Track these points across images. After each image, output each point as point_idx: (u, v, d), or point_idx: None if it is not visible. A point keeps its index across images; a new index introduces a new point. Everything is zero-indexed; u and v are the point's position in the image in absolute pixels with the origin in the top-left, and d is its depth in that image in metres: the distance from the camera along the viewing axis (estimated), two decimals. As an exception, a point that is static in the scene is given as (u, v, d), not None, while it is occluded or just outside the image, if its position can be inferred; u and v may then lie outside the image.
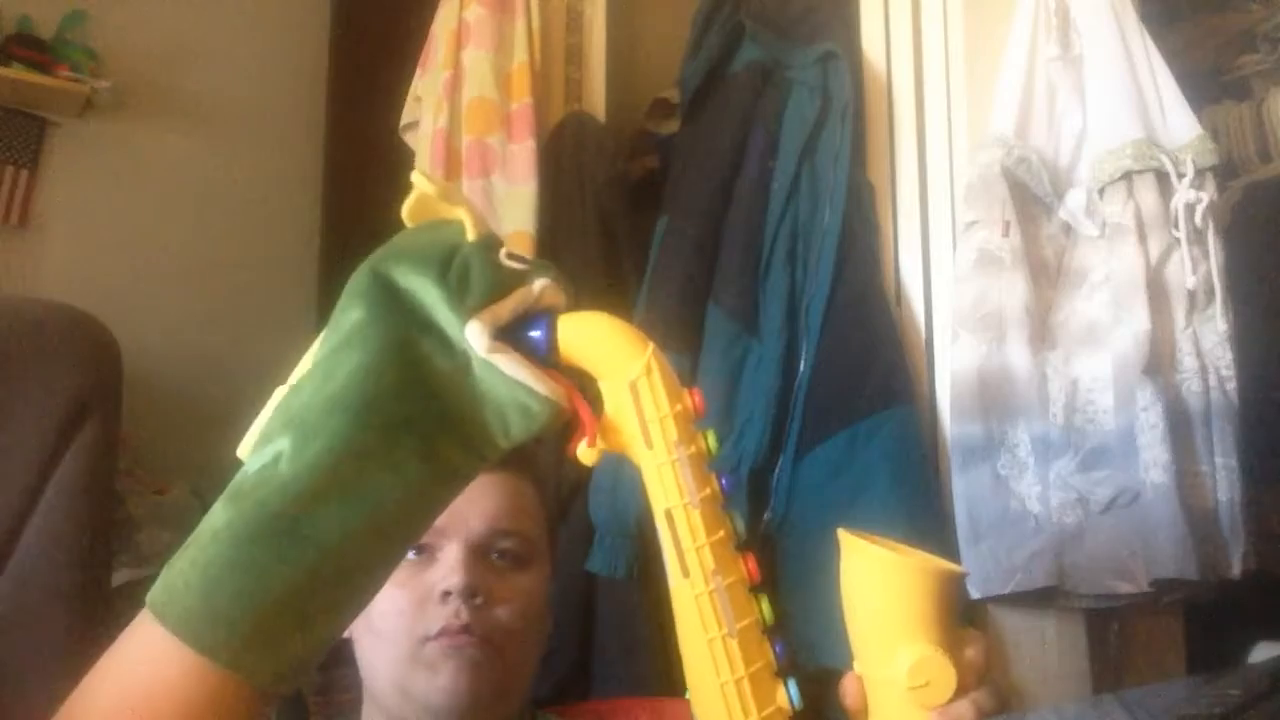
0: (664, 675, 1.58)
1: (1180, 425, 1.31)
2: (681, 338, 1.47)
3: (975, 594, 1.33)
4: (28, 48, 2.51)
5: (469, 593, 0.86)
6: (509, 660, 0.88)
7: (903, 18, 1.58)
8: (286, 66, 2.95)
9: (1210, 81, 1.99)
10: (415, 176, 0.53)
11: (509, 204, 1.79)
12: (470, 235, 0.51)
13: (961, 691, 0.51)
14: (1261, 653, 1.46)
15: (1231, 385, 1.36)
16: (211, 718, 0.47)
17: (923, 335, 1.48)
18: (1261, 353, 1.48)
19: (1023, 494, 1.35)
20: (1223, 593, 1.35)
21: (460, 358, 0.51)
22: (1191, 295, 1.37)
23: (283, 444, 0.48)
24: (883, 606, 0.52)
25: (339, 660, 0.94)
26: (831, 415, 1.42)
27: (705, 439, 0.52)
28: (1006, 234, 1.39)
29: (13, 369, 0.82)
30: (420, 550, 0.89)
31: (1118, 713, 1.07)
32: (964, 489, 1.36)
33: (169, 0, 2.79)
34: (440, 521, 0.88)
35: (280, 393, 0.51)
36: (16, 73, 2.47)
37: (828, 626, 1.45)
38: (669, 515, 0.51)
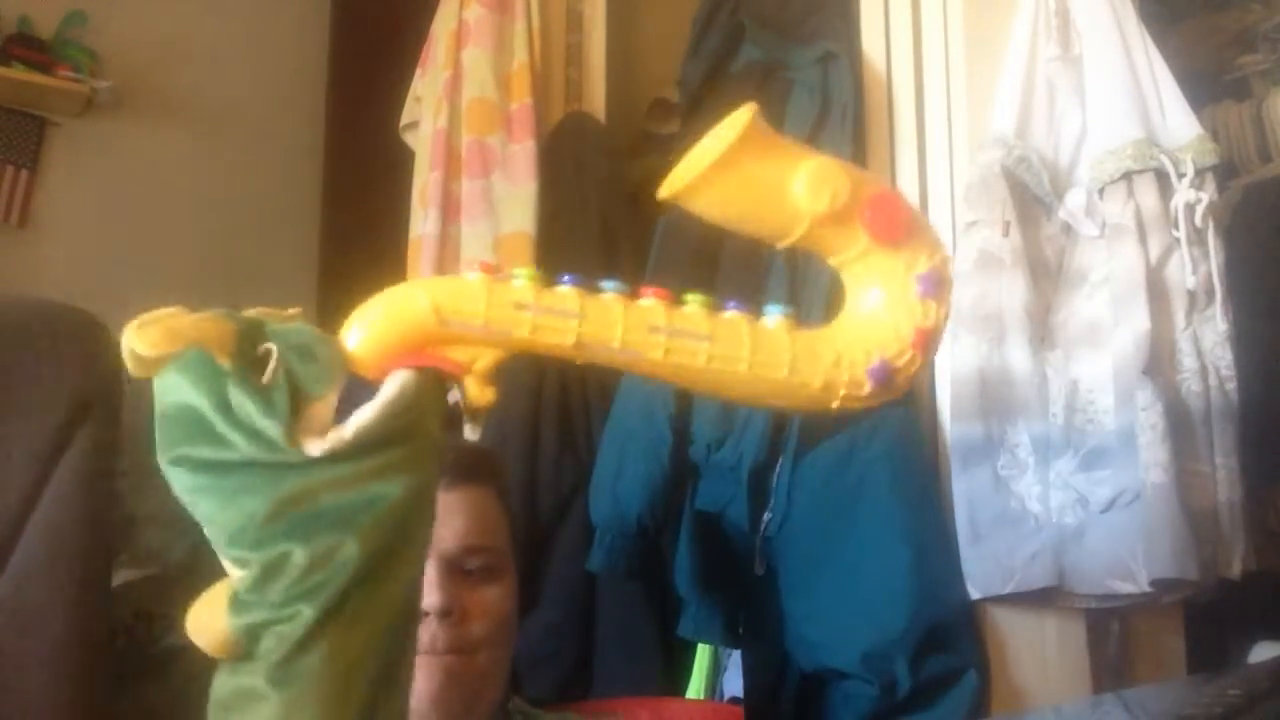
0: (664, 675, 1.59)
1: (1180, 425, 1.31)
2: (681, 338, 1.47)
3: (975, 594, 1.33)
4: (28, 48, 2.51)
5: (445, 612, 0.88)
6: (480, 668, 0.90)
7: (903, 18, 1.58)
8: (286, 66, 2.94)
9: (1210, 81, 1.99)
10: (126, 344, 0.48)
11: (509, 204, 1.79)
12: (223, 361, 0.48)
13: (856, 173, 0.53)
14: (1261, 653, 1.46)
15: (1231, 385, 1.36)
16: None
17: (923, 335, 1.48)
18: (1261, 353, 1.48)
19: (1023, 494, 1.35)
20: (1223, 593, 1.35)
21: (327, 472, 0.48)
22: (1191, 295, 1.37)
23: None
24: (745, 200, 0.53)
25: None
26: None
27: (518, 278, 0.52)
28: (1006, 234, 1.39)
29: (13, 369, 0.82)
30: None
31: (1118, 713, 1.07)
32: (964, 489, 1.36)
33: (169, 0, 2.78)
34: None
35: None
36: (16, 73, 2.47)
37: (828, 626, 1.45)
38: (580, 346, 0.51)
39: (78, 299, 0.92)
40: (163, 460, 0.49)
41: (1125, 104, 1.42)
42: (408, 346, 0.51)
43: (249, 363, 0.49)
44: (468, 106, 1.84)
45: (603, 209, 1.80)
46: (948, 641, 1.32)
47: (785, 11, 1.70)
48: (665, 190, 0.53)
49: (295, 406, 0.49)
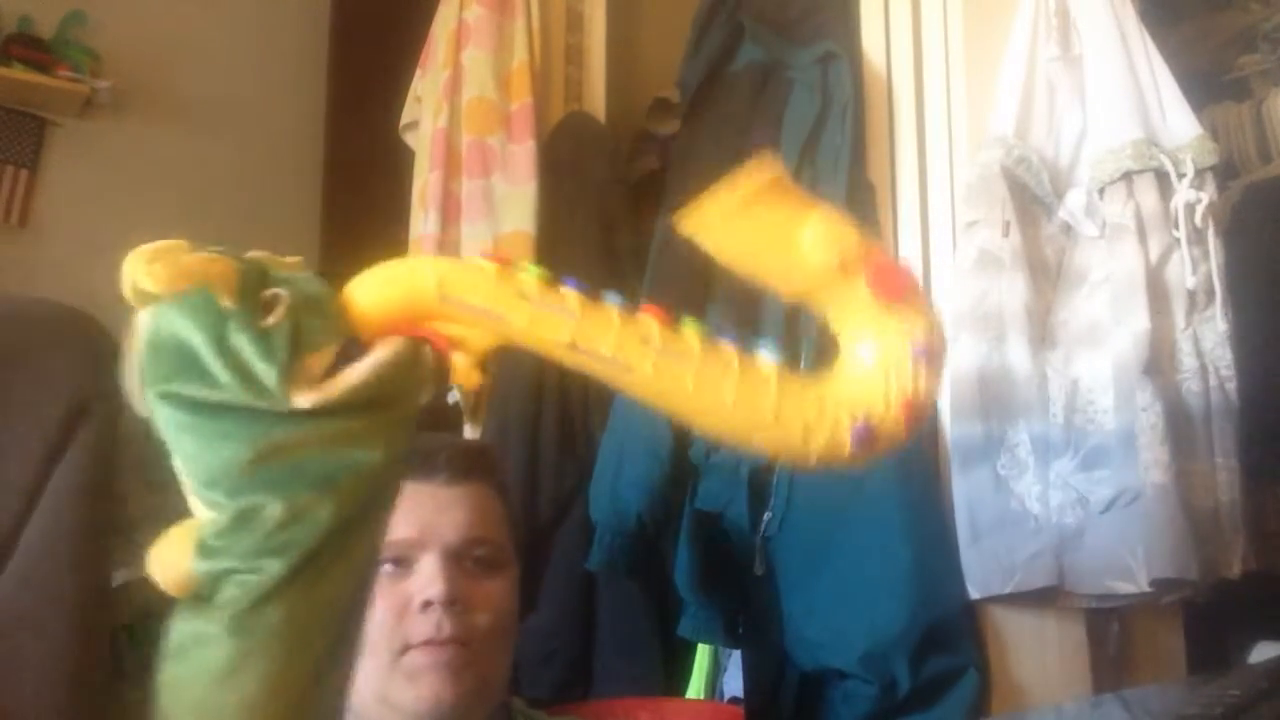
0: (664, 675, 1.59)
1: (1180, 425, 1.31)
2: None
3: (975, 594, 1.33)
4: (28, 48, 2.51)
5: (449, 601, 0.89)
6: (485, 662, 0.91)
7: (903, 18, 1.58)
8: (286, 66, 2.95)
9: (1210, 81, 1.99)
10: (130, 276, 0.49)
11: (509, 204, 1.79)
12: (226, 301, 0.48)
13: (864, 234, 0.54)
14: (1261, 653, 1.46)
15: (1231, 385, 1.36)
16: None
17: (923, 335, 1.48)
18: (1261, 353, 1.47)
19: (1023, 494, 1.34)
20: (1223, 593, 1.35)
21: (312, 425, 0.48)
22: (1191, 295, 1.37)
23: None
24: (758, 244, 0.54)
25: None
26: (831, 415, 1.41)
27: (526, 272, 0.52)
28: (1006, 234, 1.39)
29: (12, 369, 0.82)
30: (397, 562, 0.91)
31: (1118, 713, 1.07)
32: (964, 489, 1.36)
33: (169, 0, 2.79)
34: (414, 533, 0.91)
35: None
36: (16, 73, 2.47)
37: (827, 626, 1.45)
38: (574, 347, 0.52)
39: (78, 299, 0.92)
40: (149, 392, 0.48)
41: (1125, 104, 1.42)
42: (407, 315, 0.51)
43: (252, 305, 0.49)
44: (468, 106, 1.84)
45: (603, 209, 1.80)
46: (948, 641, 1.32)
47: (785, 11, 1.70)
48: (685, 227, 0.54)
49: (294, 356, 0.48)
